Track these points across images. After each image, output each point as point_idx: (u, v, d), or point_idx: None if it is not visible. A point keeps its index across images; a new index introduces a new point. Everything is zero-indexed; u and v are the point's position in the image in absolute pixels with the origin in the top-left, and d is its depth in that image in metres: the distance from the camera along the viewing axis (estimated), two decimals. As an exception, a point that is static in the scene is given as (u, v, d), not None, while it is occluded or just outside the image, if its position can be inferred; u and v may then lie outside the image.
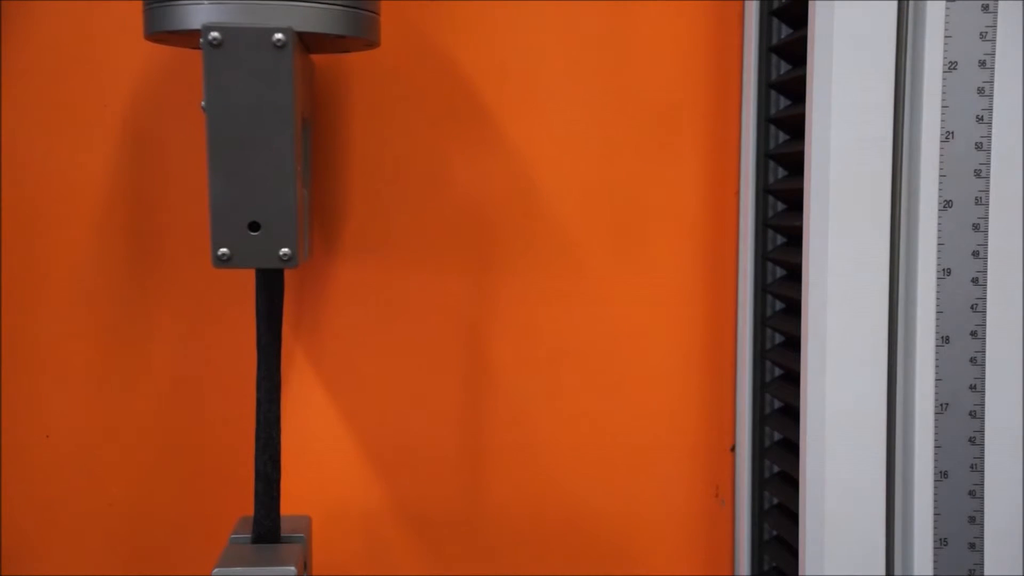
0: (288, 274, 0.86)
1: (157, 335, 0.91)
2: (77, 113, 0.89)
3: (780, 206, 0.90)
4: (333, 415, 0.93)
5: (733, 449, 0.95)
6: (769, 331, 0.92)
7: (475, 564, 0.95)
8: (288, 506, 0.83)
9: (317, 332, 0.92)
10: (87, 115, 0.89)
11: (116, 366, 0.91)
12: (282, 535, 0.81)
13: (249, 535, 0.81)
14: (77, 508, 0.91)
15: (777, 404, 0.92)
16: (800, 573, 0.79)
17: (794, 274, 0.89)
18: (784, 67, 0.89)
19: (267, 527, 0.80)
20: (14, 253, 0.90)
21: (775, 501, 0.92)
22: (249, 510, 0.81)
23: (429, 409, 0.93)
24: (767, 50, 0.89)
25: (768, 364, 0.92)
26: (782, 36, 0.89)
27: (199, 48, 0.72)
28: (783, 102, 0.90)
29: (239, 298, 0.89)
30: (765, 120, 0.90)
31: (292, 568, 0.76)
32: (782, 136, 0.90)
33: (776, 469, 0.92)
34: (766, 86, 0.90)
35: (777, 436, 0.92)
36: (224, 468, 0.92)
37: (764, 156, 0.90)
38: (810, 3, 0.77)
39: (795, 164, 0.87)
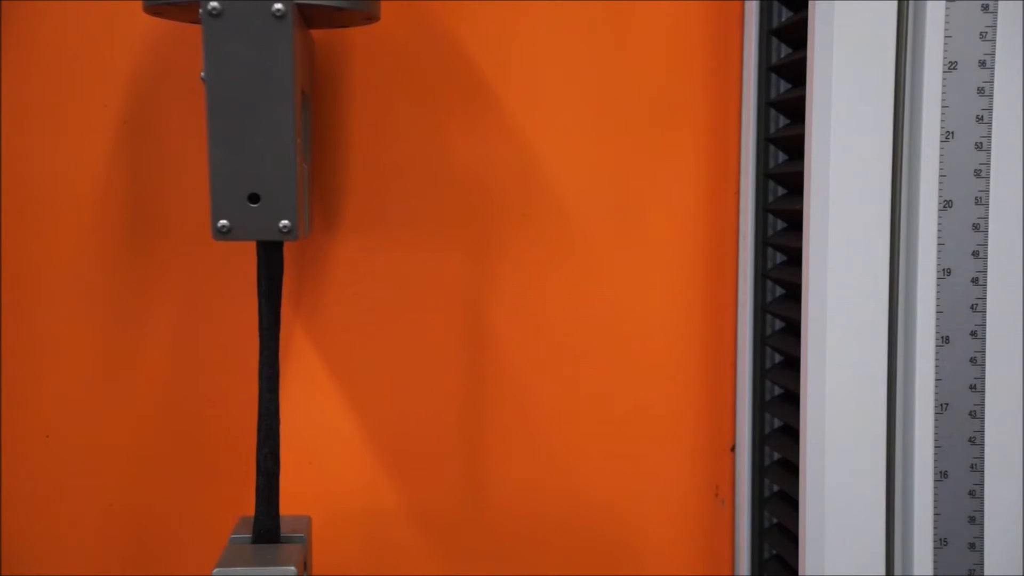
0: (288, 253, 0.86)
1: (157, 336, 0.91)
2: (75, 107, 0.89)
3: (780, 191, 0.90)
4: (333, 407, 0.93)
5: (733, 449, 0.95)
6: (769, 317, 0.92)
7: (475, 563, 0.95)
8: (288, 505, 0.83)
9: (317, 313, 0.92)
10: (85, 107, 0.89)
11: (116, 366, 0.91)
12: (282, 535, 0.81)
13: (249, 535, 0.81)
14: (77, 508, 0.92)
15: (777, 391, 0.92)
16: (800, 563, 0.79)
17: (794, 259, 0.89)
18: (785, 50, 0.89)
19: (267, 526, 0.80)
20: (14, 252, 0.89)
21: (775, 488, 0.92)
22: (249, 510, 0.81)
23: (429, 400, 0.93)
24: (768, 33, 0.89)
25: (768, 350, 0.92)
26: (783, 19, 0.88)
27: (198, 21, 0.72)
28: (783, 85, 0.89)
29: (238, 298, 0.89)
30: (765, 104, 0.90)
31: (292, 568, 0.76)
32: (782, 120, 0.90)
33: (776, 456, 0.92)
34: (766, 69, 0.89)
35: (777, 423, 0.92)
36: (224, 468, 0.92)
37: (764, 140, 0.90)
38: (810, 2, 0.77)
39: (795, 148, 0.87)
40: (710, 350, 0.95)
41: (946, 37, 0.74)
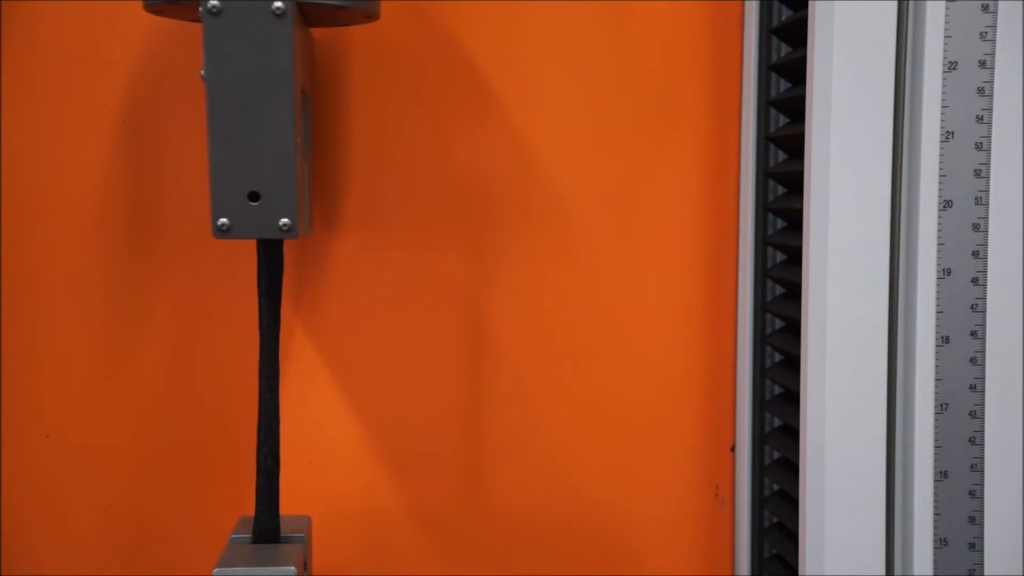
0: (287, 252, 0.86)
1: (157, 336, 0.91)
2: (75, 107, 0.89)
3: (780, 190, 0.90)
4: (333, 407, 0.93)
5: (733, 449, 0.95)
6: (769, 316, 0.92)
7: (475, 563, 0.95)
8: (288, 505, 0.83)
9: (317, 312, 0.92)
10: (85, 107, 0.89)
11: (116, 366, 0.91)
12: (282, 535, 0.81)
13: (249, 535, 0.81)
14: (77, 508, 0.92)
15: (777, 390, 0.92)
16: (800, 563, 0.80)
17: (795, 258, 0.89)
18: (785, 49, 0.89)
19: (267, 526, 0.80)
20: (14, 252, 0.89)
21: (775, 488, 0.92)
22: (249, 510, 0.81)
23: (429, 400, 0.93)
24: (767, 32, 0.89)
25: (768, 350, 0.92)
26: (783, 18, 0.88)
27: (198, 19, 0.72)
28: (783, 84, 0.89)
29: (238, 297, 0.89)
30: (765, 102, 0.90)
31: (292, 568, 0.76)
32: (783, 119, 0.90)
33: (776, 456, 0.92)
34: (766, 68, 0.89)
35: (777, 422, 0.92)
36: (224, 467, 0.92)
37: (764, 139, 0.90)
38: (810, 2, 0.77)
39: (795, 147, 0.87)
40: (710, 350, 0.95)
41: (946, 37, 0.74)
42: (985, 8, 0.74)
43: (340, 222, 0.92)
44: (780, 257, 0.91)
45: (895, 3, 0.74)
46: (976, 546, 0.77)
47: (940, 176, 0.75)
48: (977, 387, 0.76)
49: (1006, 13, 0.74)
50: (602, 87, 0.92)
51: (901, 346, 0.77)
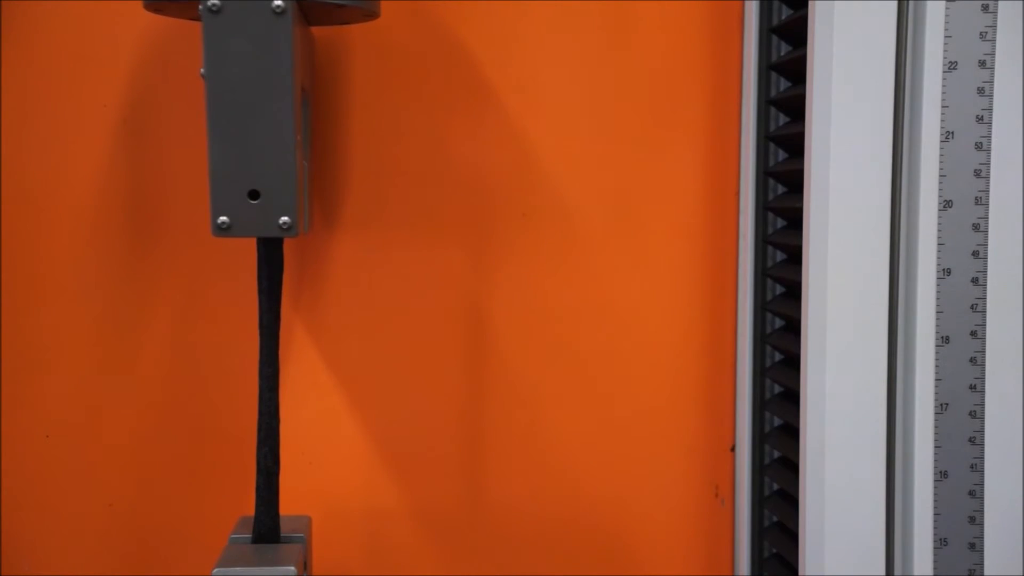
0: (287, 250, 0.86)
1: (157, 335, 0.91)
2: (75, 107, 0.89)
3: (780, 189, 0.90)
4: (332, 406, 0.93)
5: (733, 449, 0.95)
6: (769, 315, 0.92)
7: (475, 562, 0.95)
8: (288, 505, 0.83)
9: (317, 311, 0.92)
10: (85, 107, 0.89)
11: (116, 366, 0.91)
12: (282, 535, 0.81)
13: (249, 535, 0.81)
14: (77, 508, 0.92)
15: (777, 389, 0.92)
16: (800, 562, 0.80)
17: (795, 257, 0.89)
18: (784, 48, 0.89)
19: (267, 526, 0.80)
20: (13, 252, 0.89)
21: (775, 487, 0.92)
22: (249, 510, 0.81)
23: (429, 399, 0.93)
24: (767, 31, 0.89)
25: (768, 349, 0.92)
26: (783, 17, 0.88)
27: (198, 18, 0.72)
28: (783, 83, 0.89)
29: (238, 296, 0.89)
30: (765, 102, 0.90)
31: (292, 568, 0.76)
32: (783, 118, 0.90)
33: (776, 455, 0.92)
34: (766, 67, 0.89)
35: (777, 422, 0.92)
36: (224, 468, 0.92)
37: (764, 138, 0.90)
38: (810, 2, 0.77)
39: (796, 146, 0.87)
40: (710, 349, 0.95)
41: (946, 37, 0.74)
42: (985, 8, 0.74)
43: (340, 221, 0.92)
44: (780, 256, 0.91)
45: (895, 3, 0.74)
46: (976, 546, 0.77)
47: (940, 176, 0.75)
48: (977, 387, 0.76)
49: (1006, 13, 0.74)
50: (602, 86, 0.92)
51: (901, 346, 0.77)
